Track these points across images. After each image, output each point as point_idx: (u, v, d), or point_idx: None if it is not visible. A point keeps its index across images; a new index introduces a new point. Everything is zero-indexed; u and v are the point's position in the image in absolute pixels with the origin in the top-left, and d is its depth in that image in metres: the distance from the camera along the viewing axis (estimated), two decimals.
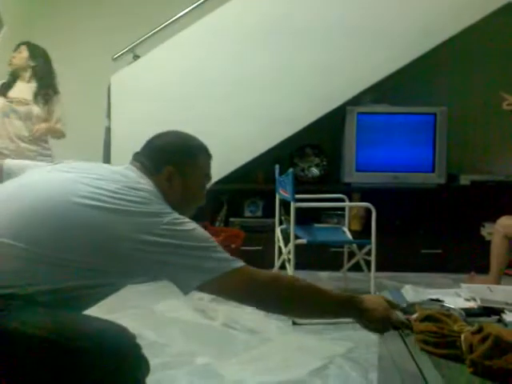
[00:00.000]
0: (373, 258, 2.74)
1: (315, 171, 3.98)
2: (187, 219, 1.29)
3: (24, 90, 3.37)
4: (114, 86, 3.69)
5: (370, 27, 3.53)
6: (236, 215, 3.91)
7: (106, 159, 3.77)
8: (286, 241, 2.91)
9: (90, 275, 1.18)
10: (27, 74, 3.39)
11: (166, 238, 1.19)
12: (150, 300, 3.05)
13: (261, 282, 1.29)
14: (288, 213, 3.03)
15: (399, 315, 1.38)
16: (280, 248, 3.07)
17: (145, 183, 1.32)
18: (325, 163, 3.99)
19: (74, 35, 4.55)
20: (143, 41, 3.81)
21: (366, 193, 3.78)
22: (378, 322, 1.36)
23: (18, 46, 3.44)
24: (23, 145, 3.33)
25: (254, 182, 3.99)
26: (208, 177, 1.52)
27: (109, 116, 3.71)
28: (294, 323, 2.69)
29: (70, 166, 1.34)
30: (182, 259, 1.21)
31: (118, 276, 1.24)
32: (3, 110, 3.32)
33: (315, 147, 4.02)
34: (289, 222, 2.93)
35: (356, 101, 3.72)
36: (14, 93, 3.36)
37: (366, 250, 2.84)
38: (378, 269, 2.85)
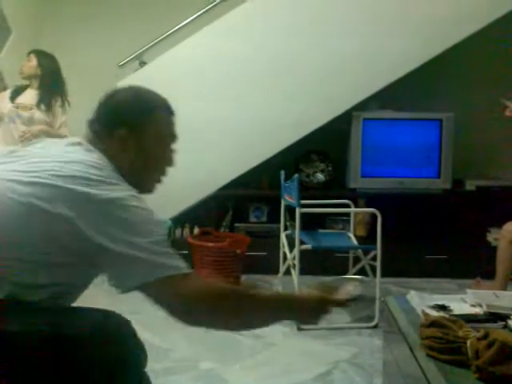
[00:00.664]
0: (378, 264, 2.73)
1: (320, 177, 3.97)
2: (136, 204, 1.10)
3: (32, 96, 3.42)
4: None
5: (375, 34, 3.53)
6: (241, 221, 3.91)
7: None
8: (291, 246, 2.90)
9: (55, 271, 1.08)
10: (36, 82, 3.45)
11: (105, 224, 1.04)
12: (154, 305, 3.04)
13: (208, 297, 1.09)
14: (293, 218, 3.03)
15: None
16: (285, 253, 3.06)
17: (86, 159, 1.14)
18: (330, 169, 3.98)
19: (81, 42, 4.58)
20: (149, 47, 3.83)
21: (371, 198, 3.77)
22: (316, 311, 1.27)
23: (29, 54, 3.50)
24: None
25: (259, 187, 4.00)
26: (172, 136, 1.31)
27: None
28: (299, 328, 2.68)
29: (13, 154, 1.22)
30: (120, 248, 1.05)
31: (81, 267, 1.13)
32: (9, 115, 3.36)
33: (320, 153, 4.02)
34: (294, 227, 2.93)
35: (362, 106, 3.72)
36: (21, 99, 3.41)
37: (371, 255, 2.83)
38: (384, 274, 2.84)
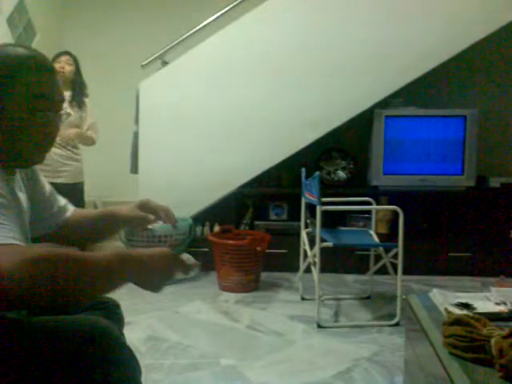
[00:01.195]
0: (400, 262, 2.70)
1: (341, 174, 3.95)
2: None
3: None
4: (143, 92, 3.75)
5: (398, 30, 3.49)
6: (261, 218, 3.92)
7: (134, 163, 3.83)
8: (312, 244, 2.89)
9: None
10: (69, 84, 3.48)
11: None
12: (175, 302, 3.07)
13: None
14: (314, 216, 3.02)
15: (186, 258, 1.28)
16: (305, 251, 3.05)
17: None
18: (351, 166, 3.96)
19: (104, 43, 4.64)
20: (171, 48, 3.85)
21: (393, 196, 3.75)
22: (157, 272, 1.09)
23: (59, 55, 3.48)
24: (53, 149, 3.38)
25: (279, 185, 3.99)
26: (42, 97, 1.12)
27: (137, 121, 3.76)
28: (319, 326, 2.67)
29: None
30: None
31: None
32: None
33: (342, 150, 4.00)
34: (314, 225, 2.92)
35: (383, 104, 3.69)
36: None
37: (392, 253, 2.81)
38: (405, 272, 2.82)
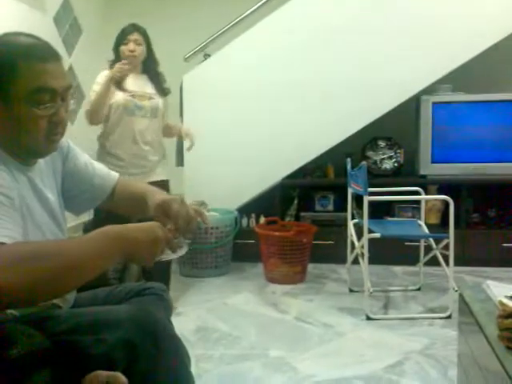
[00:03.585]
0: (451, 253, 2.63)
1: (388, 164, 3.88)
2: None
3: (140, 82, 2.81)
4: (186, 85, 3.78)
5: (445, 14, 3.39)
6: (307, 210, 3.90)
7: (179, 156, 3.87)
8: (359, 235, 2.86)
9: None
10: (140, 66, 2.84)
11: None
12: (223, 293, 3.10)
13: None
14: (360, 206, 2.98)
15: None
16: (352, 242, 3.02)
17: None
18: (398, 155, 3.88)
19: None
20: (213, 40, 3.87)
21: (442, 185, 3.65)
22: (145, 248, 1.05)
23: (126, 33, 2.79)
24: (146, 148, 2.81)
25: (324, 176, 3.96)
26: (43, 90, 1.10)
27: (181, 114, 3.80)
28: (368, 318, 2.64)
29: None
30: None
31: None
32: (126, 105, 2.72)
33: (388, 139, 3.92)
34: (361, 215, 2.88)
35: (430, 90, 3.59)
36: (130, 85, 2.75)
37: (443, 244, 2.74)
38: (457, 263, 2.74)
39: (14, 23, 2.88)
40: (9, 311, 1.09)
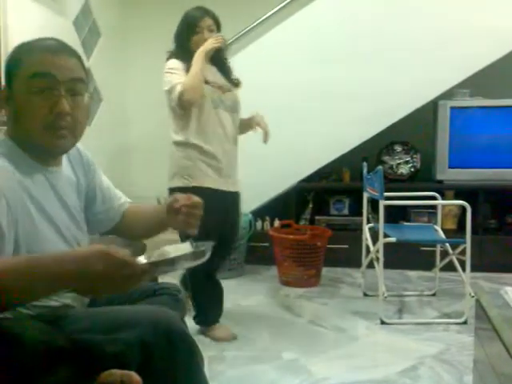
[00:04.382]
0: (468, 258, 2.60)
1: (405, 169, 3.86)
2: None
3: (212, 73, 2.48)
4: None
5: (465, 18, 3.36)
6: (322, 213, 3.89)
7: None
8: (374, 239, 2.84)
9: None
10: (209, 57, 2.46)
11: None
12: (237, 295, 3.10)
13: None
14: (376, 211, 2.96)
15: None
16: (368, 247, 3.01)
17: None
18: (415, 160, 3.85)
19: (166, 42, 4.74)
20: (232, 43, 3.87)
21: (459, 190, 3.62)
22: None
23: (198, 18, 2.47)
24: (229, 146, 2.50)
25: (340, 179, 3.95)
26: (41, 76, 1.10)
27: None
28: (383, 322, 2.63)
29: None
30: None
31: None
32: (213, 97, 2.40)
33: (405, 144, 3.90)
34: (376, 220, 2.87)
35: (448, 94, 3.56)
36: (209, 76, 2.44)
37: (460, 249, 2.71)
38: (473, 269, 2.71)
39: (36, 28, 2.93)
40: (24, 310, 1.10)
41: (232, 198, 2.54)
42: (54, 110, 1.11)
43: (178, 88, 2.32)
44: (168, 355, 1.07)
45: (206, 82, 2.38)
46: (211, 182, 2.39)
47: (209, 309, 2.52)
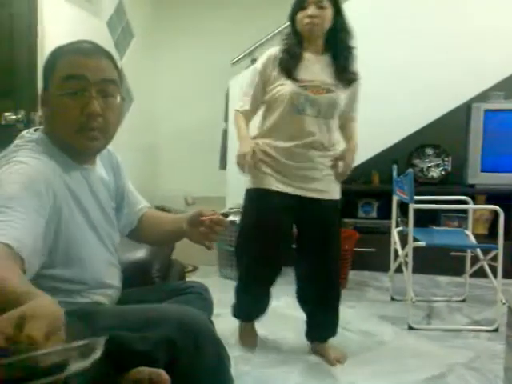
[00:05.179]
0: (499, 264, 2.55)
1: (435, 172, 3.80)
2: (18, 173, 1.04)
3: (315, 68, 2.07)
4: (232, 89, 3.81)
5: (499, 20, 3.28)
6: (349, 216, 3.85)
7: (223, 160, 3.91)
8: (403, 243, 2.81)
9: None
10: (320, 43, 2.07)
11: None
12: None
13: None
14: (404, 214, 2.92)
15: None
16: (396, 251, 2.97)
17: (26, 134, 1.19)
18: (446, 163, 3.79)
19: (195, 43, 4.79)
20: (261, 45, 3.88)
21: (491, 194, 3.54)
22: None
23: None
24: (318, 158, 2.15)
25: (368, 182, 3.91)
26: (72, 78, 1.13)
27: (226, 119, 3.84)
28: (411, 328, 2.59)
29: None
30: None
31: None
32: (293, 98, 2.04)
33: (436, 147, 3.83)
34: (405, 223, 2.83)
35: (482, 97, 3.49)
36: (304, 73, 2.06)
37: (491, 255, 2.65)
38: (506, 275, 2.65)
39: (71, 29, 2.98)
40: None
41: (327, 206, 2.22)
42: (85, 111, 1.13)
43: (232, 116, 2.33)
44: (194, 355, 1.07)
45: (295, 80, 2.04)
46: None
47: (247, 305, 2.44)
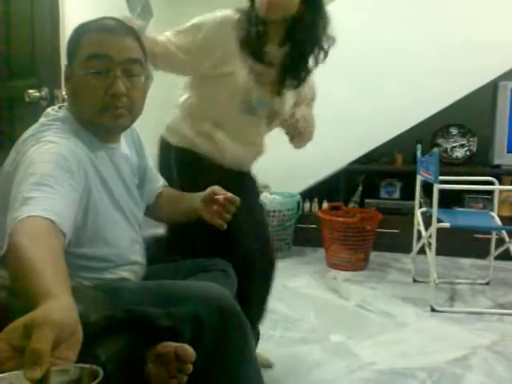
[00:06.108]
0: None
1: (460, 152, 3.72)
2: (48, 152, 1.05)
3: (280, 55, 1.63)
4: None
5: None
6: (372, 196, 3.82)
7: None
8: (427, 224, 2.77)
9: None
10: (281, 32, 1.61)
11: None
12: (284, 276, 3.08)
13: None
14: (428, 195, 2.88)
15: None
16: (419, 232, 2.93)
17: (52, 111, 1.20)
18: (471, 144, 3.71)
19: None
20: None
21: None
22: None
23: None
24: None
25: (391, 162, 3.85)
26: (97, 57, 1.12)
27: None
28: (433, 310, 2.56)
29: None
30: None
31: None
32: (244, 96, 1.63)
33: (461, 126, 3.75)
34: (429, 204, 2.79)
35: (509, 75, 3.39)
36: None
37: None
38: None
39: (92, 6, 2.96)
40: (84, 281, 1.13)
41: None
42: (110, 91, 1.13)
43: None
44: (219, 331, 1.07)
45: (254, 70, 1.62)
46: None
47: None
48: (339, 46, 1.68)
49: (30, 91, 2.29)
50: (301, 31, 1.59)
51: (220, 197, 1.31)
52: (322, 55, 1.65)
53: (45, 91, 2.29)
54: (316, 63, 1.67)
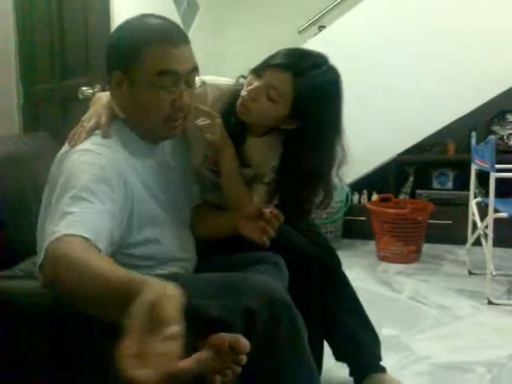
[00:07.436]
0: None
1: None
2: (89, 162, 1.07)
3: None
4: None
5: None
6: (423, 187, 3.72)
7: None
8: (482, 215, 2.67)
9: None
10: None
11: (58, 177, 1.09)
12: None
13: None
14: (483, 185, 2.78)
15: None
16: (474, 223, 2.83)
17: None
18: None
19: (261, 12, 4.71)
20: (327, 12, 3.76)
21: None
22: None
23: None
24: None
25: (444, 151, 3.73)
26: (165, 73, 1.11)
27: None
28: (490, 302, 2.48)
29: None
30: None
31: None
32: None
33: None
34: (484, 194, 2.69)
35: None
36: None
37: None
38: None
39: (134, 2, 3.01)
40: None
41: None
42: (176, 104, 1.15)
43: None
44: (271, 324, 1.07)
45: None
46: None
47: None
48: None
49: (83, 88, 2.35)
50: (289, 156, 1.42)
51: (267, 210, 1.27)
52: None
53: (97, 88, 2.35)
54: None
